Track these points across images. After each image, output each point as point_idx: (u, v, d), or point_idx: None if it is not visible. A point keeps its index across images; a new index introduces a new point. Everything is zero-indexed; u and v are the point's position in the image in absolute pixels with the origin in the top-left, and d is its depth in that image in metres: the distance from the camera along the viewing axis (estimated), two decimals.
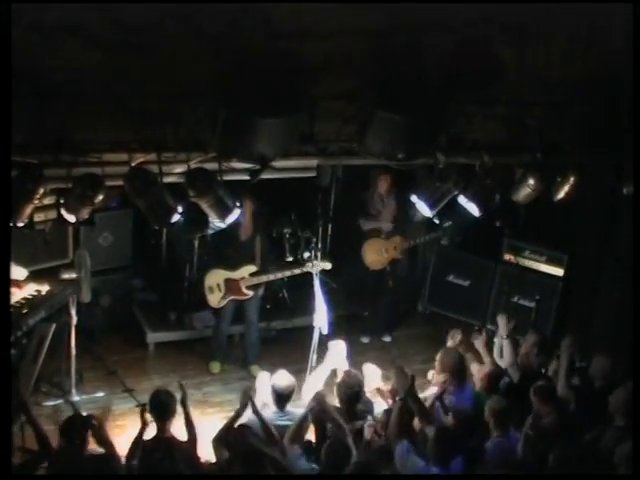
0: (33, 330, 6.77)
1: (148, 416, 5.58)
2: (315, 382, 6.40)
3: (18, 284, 6.95)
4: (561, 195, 6.74)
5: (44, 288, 7.08)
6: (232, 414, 5.89)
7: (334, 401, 6.16)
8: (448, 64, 5.70)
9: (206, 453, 5.68)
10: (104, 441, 5.36)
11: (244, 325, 8.02)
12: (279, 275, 7.78)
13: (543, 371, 6.66)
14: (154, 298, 8.87)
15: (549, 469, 5.31)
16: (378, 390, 6.41)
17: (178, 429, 5.69)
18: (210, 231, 8.50)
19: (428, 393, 6.29)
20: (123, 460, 5.39)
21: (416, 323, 9.27)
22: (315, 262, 7.50)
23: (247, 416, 5.88)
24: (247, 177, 5.84)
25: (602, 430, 5.71)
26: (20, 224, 5.23)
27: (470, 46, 5.71)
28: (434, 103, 5.62)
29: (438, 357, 6.43)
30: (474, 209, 6.48)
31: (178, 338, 8.42)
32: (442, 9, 5.47)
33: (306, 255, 7.56)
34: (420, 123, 5.61)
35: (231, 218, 5.88)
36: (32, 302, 6.89)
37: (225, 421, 5.88)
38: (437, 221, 7.54)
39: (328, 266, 7.67)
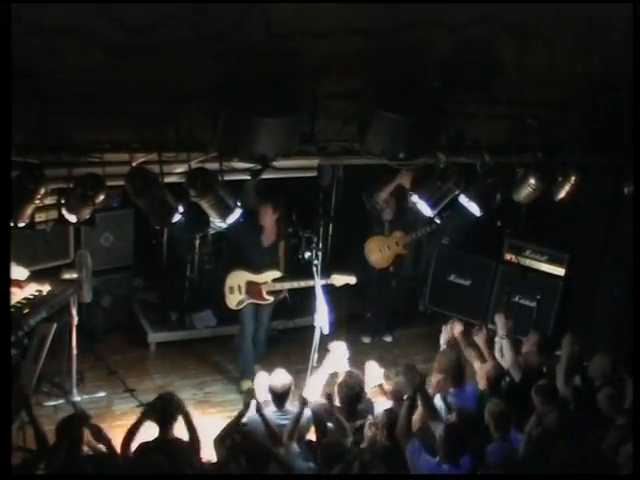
0: (34, 330, 6.77)
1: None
2: (315, 383, 6.40)
3: (19, 284, 6.95)
4: (562, 195, 6.74)
5: (45, 288, 7.09)
6: (235, 414, 5.88)
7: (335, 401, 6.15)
8: (449, 63, 5.70)
9: (208, 453, 5.68)
10: (103, 440, 5.36)
11: (256, 327, 7.87)
12: (302, 284, 7.50)
13: (545, 371, 6.64)
14: (155, 298, 8.88)
15: (551, 469, 5.30)
16: (380, 388, 6.41)
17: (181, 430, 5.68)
18: (211, 231, 8.52)
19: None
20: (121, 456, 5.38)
21: (417, 323, 9.27)
22: (339, 276, 7.48)
23: (247, 415, 5.89)
24: (248, 177, 5.85)
25: (604, 430, 5.70)
26: (21, 224, 5.23)
27: (471, 45, 5.70)
28: (435, 103, 5.62)
29: (437, 358, 6.43)
30: (475, 209, 6.47)
31: (179, 338, 8.43)
32: (442, 8, 5.47)
33: (307, 255, 7.56)
34: (421, 123, 5.60)
35: (232, 218, 5.87)
36: (33, 302, 6.89)
37: (227, 421, 5.88)
38: (438, 221, 7.53)
39: (353, 280, 7.60)
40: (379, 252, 8.50)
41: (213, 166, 5.68)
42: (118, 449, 5.43)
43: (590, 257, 8.21)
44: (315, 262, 7.11)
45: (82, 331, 7.31)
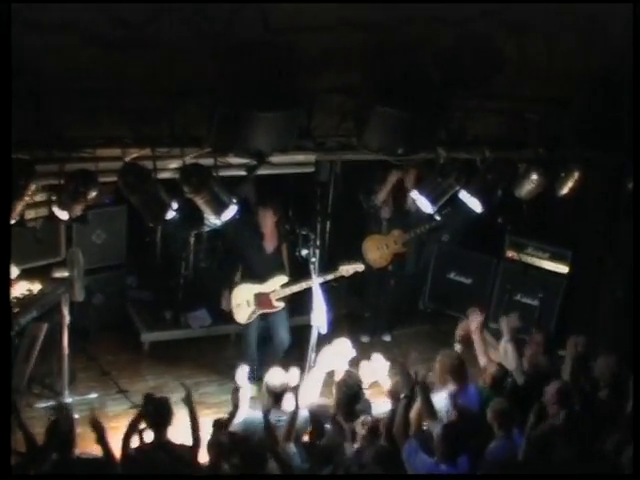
0: (25, 330, 6.80)
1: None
2: (313, 383, 6.43)
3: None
4: (565, 190, 6.78)
5: (36, 287, 7.11)
6: (223, 417, 5.92)
7: (331, 401, 6.20)
8: (448, 58, 5.75)
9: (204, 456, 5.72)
10: (103, 444, 5.38)
11: (272, 337, 7.83)
12: (310, 283, 7.32)
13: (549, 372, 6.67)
14: (149, 297, 8.89)
15: (552, 469, 5.35)
16: (379, 385, 6.44)
17: (182, 430, 5.70)
18: (206, 228, 8.54)
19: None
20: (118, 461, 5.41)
21: (417, 321, 9.30)
22: (346, 266, 7.50)
23: (244, 414, 5.93)
24: (243, 172, 5.88)
25: (607, 430, 5.75)
26: (11, 221, 5.26)
27: (470, 41, 5.75)
28: (434, 98, 5.66)
29: (437, 359, 6.46)
30: (476, 205, 6.51)
31: (173, 338, 8.45)
32: (442, 4, 5.50)
33: (304, 252, 7.58)
34: (420, 118, 5.65)
35: (227, 215, 5.91)
36: (24, 301, 6.92)
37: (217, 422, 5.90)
38: (438, 217, 7.57)
39: (361, 267, 7.64)
40: (377, 251, 8.52)
41: (208, 162, 5.71)
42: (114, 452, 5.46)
43: (593, 254, 8.25)
44: (312, 260, 7.13)
45: (74, 331, 7.31)
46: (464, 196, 6.50)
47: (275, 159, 5.77)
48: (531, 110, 6.25)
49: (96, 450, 5.43)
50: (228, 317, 8.26)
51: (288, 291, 7.58)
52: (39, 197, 5.56)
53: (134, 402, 7.26)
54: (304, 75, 5.47)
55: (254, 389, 7.05)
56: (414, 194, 6.65)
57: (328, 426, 6.11)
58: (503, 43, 5.89)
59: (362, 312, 8.98)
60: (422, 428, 5.79)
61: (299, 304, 7.99)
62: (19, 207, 5.26)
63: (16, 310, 6.76)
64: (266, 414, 5.78)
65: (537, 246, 8.86)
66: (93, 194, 5.44)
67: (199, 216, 7.83)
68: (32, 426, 5.62)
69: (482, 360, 6.64)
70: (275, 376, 6.08)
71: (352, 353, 6.58)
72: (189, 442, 5.61)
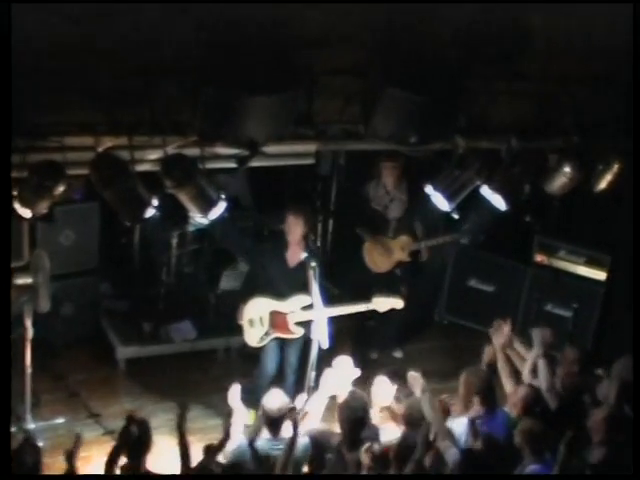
0: None
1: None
2: (314, 407, 6.44)
3: None
4: (603, 185, 6.79)
5: None
6: (214, 442, 5.93)
7: (335, 426, 6.21)
8: (468, 32, 5.75)
9: None
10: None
11: (283, 367, 7.62)
12: (338, 311, 7.21)
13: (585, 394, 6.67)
14: (125, 307, 8.90)
15: None
16: (389, 411, 6.45)
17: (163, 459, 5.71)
18: (191, 228, 8.55)
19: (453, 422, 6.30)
20: None
21: (431, 335, 9.32)
22: (382, 299, 7.34)
23: (235, 443, 5.94)
24: (234, 165, 5.90)
25: None
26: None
27: (492, 12, 5.74)
28: (452, 78, 5.67)
29: (462, 378, 6.43)
30: (500, 202, 6.52)
31: (153, 353, 8.46)
32: None
33: (302, 256, 7.58)
34: (436, 101, 5.66)
35: (215, 212, 5.92)
36: None
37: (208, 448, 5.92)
38: (456, 216, 7.57)
39: (400, 304, 7.46)
40: (378, 256, 8.48)
41: (193, 152, 5.72)
42: None
43: (636, 259, 8.24)
44: (312, 264, 7.12)
45: (38, 346, 7.32)
46: (486, 192, 6.51)
47: (270, 149, 5.79)
48: (565, 92, 6.25)
49: None
50: (215, 329, 8.29)
51: (308, 316, 7.17)
52: None
53: (107, 428, 7.27)
54: (303, 53, 5.48)
55: (251, 415, 7.08)
56: (428, 189, 6.65)
57: (330, 455, 6.11)
58: (531, 13, 5.86)
59: (369, 323, 8.98)
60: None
61: None
62: None
63: None
64: (252, 441, 5.79)
65: (571, 249, 8.86)
66: (60, 189, 5.44)
67: (183, 214, 7.83)
68: None
69: (508, 385, 6.62)
70: (274, 399, 6.08)
71: (355, 373, 6.58)
72: (170, 472, 5.62)
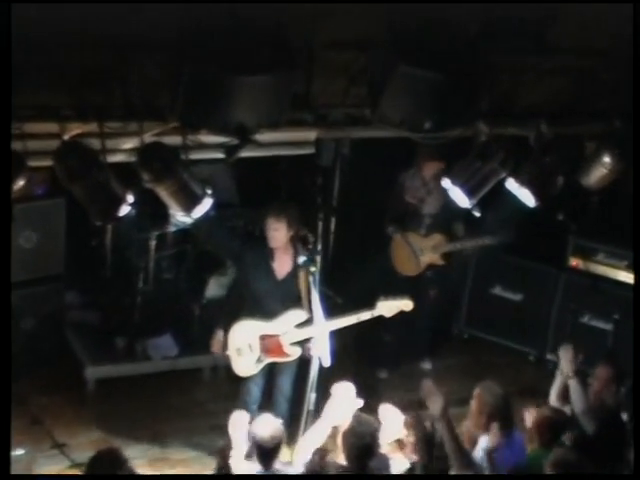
0: None
1: None
2: (313, 438, 6.42)
3: None
4: None
5: None
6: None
7: (339, 457, 6.19)
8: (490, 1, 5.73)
9: None
10: None
11: (273, 393, 7.59)
12: (339, 324, 7.12)
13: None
14: (95, 319, 8.91)
15: None
16: (399, 443, 6.44)
17: None
18: (172, 228, 8.54)
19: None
20: None
21: (449, 351, 9.33)
22: (388, 302, 7.26)
23: None
24: (221, 155, 5.88)
25: None
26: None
27: None
28: (473, 53, 5.65)
29: (475, 394, 6.45)
30: (528, 197, 6.51)
31: (128, 373, 8.46)
32: None
33: (301, 260, 7.56)
34: (454, 81, 5.64)
35: (200, 210, 5.91)
36: None
37: None
38: (478, 214, 7.57)
39: (410, 305, 7.39)
40: (406, 258, 8.50)
41: (174, 141, 5.72)
42: None
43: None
44: (312, 269, 7.11)
45: None
46: (512, 186, 6.50)
47: (262, 137, 5.77)
48: (604, 68, 6.24)
49: None
50: (199, 345, 8.26)
51: (306, 334, 7.16)
52: None
53: (74, 459, 7.26)
54: (301, 25, 5.46)
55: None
56: (445, 183, 6.64)
57: None
58: None
59: (379, 336, 8.96)
60: None
61: None
62: None
63: None
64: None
65: (610, 251, 8.87)
66: (20, 183, 5.44)
67: (162, 212, 7.85)
68: None
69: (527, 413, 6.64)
70: (265, 425, 6.06)
71: (358, 403, 6.57)
72: None
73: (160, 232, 8.57)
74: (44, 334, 8.49)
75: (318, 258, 7.39)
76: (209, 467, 6.11)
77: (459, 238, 8.50)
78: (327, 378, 6.88)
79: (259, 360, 7.35)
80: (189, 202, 5.86)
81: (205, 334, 8.41)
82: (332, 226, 9.44)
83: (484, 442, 6.20)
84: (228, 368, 7.88)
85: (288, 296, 7.28)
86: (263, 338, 7.30)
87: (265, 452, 6.02)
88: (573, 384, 6.71)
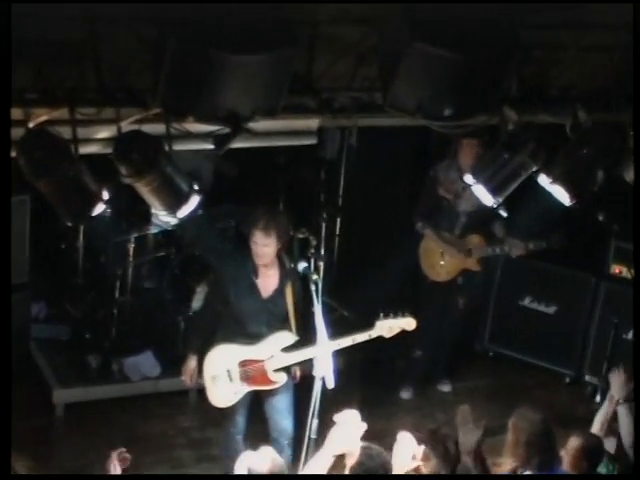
0: None
1: None
2: (314, 470, 6.43)
3: None
4: None
5: None
6: None
7: None
8: None
9: None
10: None
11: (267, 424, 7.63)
12: (337, 345, 7.11)
13: None
14: (65, 334, 8.93)
15: None
16: (416, 471, 6.46)
17: None
18: (154, 229, 8.55)
19: None
20: None
21: (472, 371, 9.34)
22: (388, 322, 7.20)
23: None
24: (210, 145, 5.89)
25: None
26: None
27: None
28: (498, 31, 5.66)
29: (511, 423, 6.45)
30: (562, 195, 6.51)
31: (102, 396, 8.48)
32: None
33: (301, 266, 7.57)
34: (478, 61, 5.65)
35: (186, 209, 5.92)
36: None
37: None
38: (505, 214, 7.59)
39: (413, 324, 7.32)
40: (438, 260, 8.51)
41: (156, 129, 5.73)
42: None
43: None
44: (314, 277, 7.12)
45: None
46: (544, 181, 6.50)
47: (258, 126, 5.78)
48: None
49: None
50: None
51: (293, 358, 7.21)
52: None
53: None
54: None
55: None
56: (467, 178, 6.65)
57: None
58: None
59: (388, 355, 8.99)
60: None
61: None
62: None
63: None
64: None
65: None
66: None
67: (142, 211, 7.87)
68: None
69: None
70: (263, 458, 6.08)
71: (362, 427, 6.58)
72: None
73: (140, 234, 8.59)
74: None
75: (321, 264, 7.41)
76: None
77: (500, 241, 8.50)
78: (330, 399, 6.90)
79: (237, 392, 7.36)
80: (173, 200, 5.87)
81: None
82: (337, 227, 9.46)
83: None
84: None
85: (274, 316, 7.30)
86: (244, 364, 7.30)
87: None
88: (623, 412, 6.72)
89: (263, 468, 6.03)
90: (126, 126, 5.67)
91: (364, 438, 6.38)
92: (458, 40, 5.55)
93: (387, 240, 8.86)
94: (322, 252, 8.06)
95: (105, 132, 5.75)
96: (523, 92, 6.28)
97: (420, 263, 8.60)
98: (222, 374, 7.34)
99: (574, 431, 6.77)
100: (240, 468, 6.31)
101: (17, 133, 5.49)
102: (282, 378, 7.32)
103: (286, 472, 6.12)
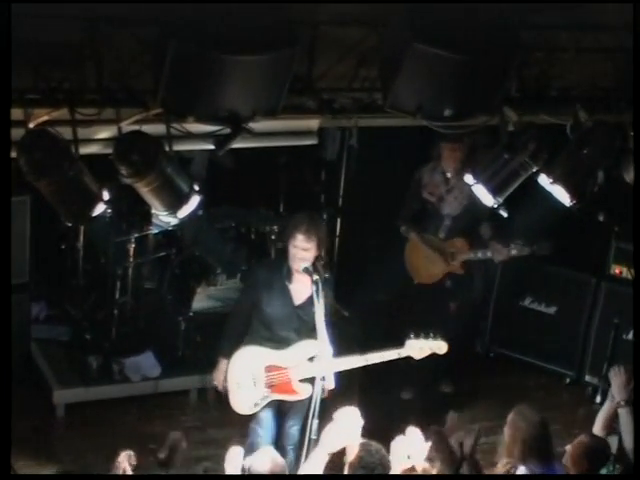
0: None
1: None
2: (309, 469, 6.43)
3: None
4: None
5: None
6: None
7: None
8: None
9: None
10: None
11: (280, 435, 7.50)
12: (364, 360, 7.07)
13: None
14: (65, 334, 8.91)
15: None
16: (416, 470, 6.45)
17: None
18: (154, 229, 8.55)
19: None
20: None
21: (473, 373, 9.34)
22: (419, 342, 7.15)
23: None
24: (211, 146, 5.89)
25: None
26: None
27: None
28: (499, 31, 5.66)
29: (509, 419, 6.45)
30: (563, 195, 6.51)
31: (102, 396, 8.48)
32: None
33: (302, 267, 7.56)
34: (478, 61, 5.65)
35: (186, 210, 5.92)
36: None
37: None
38: (505, 214, 7.58)
39: (444, 348, 7.27)
40: (422, 263, 8.52)
41: (156, 129, 5.73)
42: None
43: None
44: (315, 277, 7.10)
45: None
46: (545, 181, 6.50)
47: (259, 126, 5.78)
48: None
49: None
50: (185, 364, 8.27)
51: (320, 370, 6.87)
52: None
53: None
54: None
55: None
56: (468, 178, 6.65)
57: None
58: None
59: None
60: None
61: None
62: None
63: None
64: None
65: None
66: None
67: (143, 212, 7.86)
68: None
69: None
70: (264, 458, 6.07)
71: (359, 423, 6.57)
72: None
73: (140, 234, 8.58)
74: None
75: (322, 263, 7.40)
76: None
77: (484, 246, 8.48)
78: (331, 402, 6.90)
79: (264, 398, 7.25)
80: (174, 200, 5.87)
81: (192, 352, 8.47)
82: (337, 228, 9.45)
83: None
84: (218, 390, 7.91)
85: (304, 324, 7.16)
86: (270, 369, 7.20)
87: None
88: (624, 413, 6.70)
89: (263, 468, 6.03)
90: (126, 126, 5.68)
91: (363, 437, 6.42)
92: (458, 41, 5.57)
93: (387, 240, 8.84)
94: (323, 254, 8.03)
95: (105, 132, 5.76)
96: (523, 92, 6.29)
97: (406, 265, 8.57)
98: (247, 380, 7.23)
99: (574, 431, 6.79)
100: (231, 468, 6.31)
101: (17, 133, 5.49)
102: (306, 391, 7.14)
103: (287, 472, 6.13)
